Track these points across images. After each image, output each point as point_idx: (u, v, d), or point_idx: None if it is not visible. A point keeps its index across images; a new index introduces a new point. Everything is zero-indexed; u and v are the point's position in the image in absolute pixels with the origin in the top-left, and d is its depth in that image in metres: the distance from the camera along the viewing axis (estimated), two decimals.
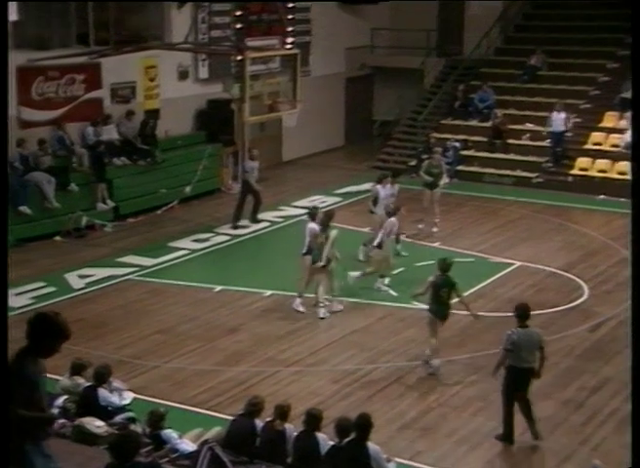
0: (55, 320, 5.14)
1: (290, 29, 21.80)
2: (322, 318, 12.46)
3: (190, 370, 10.85)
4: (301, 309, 12.64)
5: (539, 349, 8.99)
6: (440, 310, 10.64)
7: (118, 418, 7.86)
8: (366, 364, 11.00)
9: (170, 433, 7.44)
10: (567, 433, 9.35)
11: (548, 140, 20.27)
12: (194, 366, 11.00)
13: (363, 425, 7.15)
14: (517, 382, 9.00)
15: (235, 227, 16.94)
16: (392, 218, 13.33)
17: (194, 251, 15.70)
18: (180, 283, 13.92)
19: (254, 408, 7.63)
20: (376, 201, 14.74)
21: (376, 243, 13.40)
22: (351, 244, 15.77)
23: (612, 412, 9.79)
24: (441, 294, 10.56)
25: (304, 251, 12.70)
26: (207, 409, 9.72)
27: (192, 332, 12.03)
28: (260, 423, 7.57)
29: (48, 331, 5.10)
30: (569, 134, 20.23)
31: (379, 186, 14.83)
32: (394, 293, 13.43)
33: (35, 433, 5.21)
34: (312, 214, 13.06)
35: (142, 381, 10.31)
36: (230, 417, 8.20)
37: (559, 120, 19.79)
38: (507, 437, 9.11)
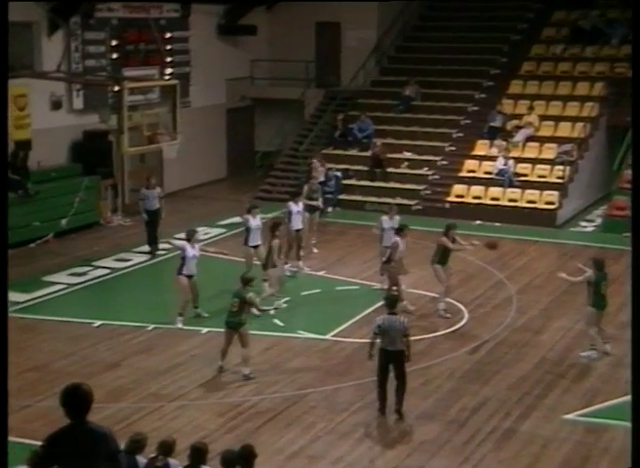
0: (83, 388, 5.38)
1: (168, 60, 21.64)
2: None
3: None
4: None
5: (404, 335, 10.05)
6: (229, 320, 11.38)
7: None
8: (252, 395, 10.87)
9: None
10: (449, 453, 9.50)
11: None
12: None
13: (246, 456, 7.08)
14: (389, 362, 10.13)
15: (151, 252, 17.13)
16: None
17: (71, 285, 15.19)
18: (55, 318, 13.39)
19: (136, 444, 7.36)
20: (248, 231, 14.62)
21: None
22: (237, 275, 15.64)
23: (491, 431, 10.04)
24: (232, 304, 11.36)
25: None
26: None
27: (69, 369, 11.59)
28: (142, 460, 7.31)
29: (88, 399, 5.36)
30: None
31: (248, 216, 14.70)
32: (280, 323, 13.37)
33: None
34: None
35: (13, 422, 9.69)
36: None
37: (321, 173, 19.96)
38: (382, 409, 10.28)
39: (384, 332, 10.05)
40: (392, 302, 10.42)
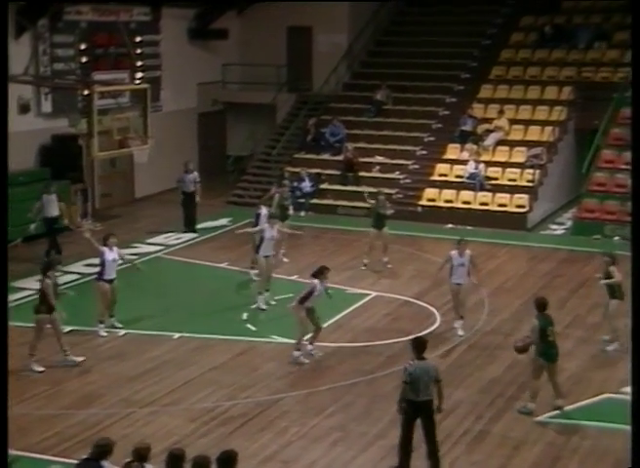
0: None
1: (139, 64, 21.51)
2: None
3: (35, 416, 10.30)
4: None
5: (435, 382, 8.96)
6: (550, 352, 10.46)
7: None
8: (225, 400, 10.81)
9: None
10: (422, 457, 9.47)
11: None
12: (39, 410, 10.44)
13: (226, 460, 6.96)
14: (417, 416, 8.94)
15: (193, 231, 19.01)
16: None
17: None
18: (24, 324, 13.19)
19: (101, 449, 7.25)
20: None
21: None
22: (210, 280, 15.58)
23: (464, 433, 10.08)
24: (548, 333, 10.33)
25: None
26: (53, 456, 9.21)
27: (37, 375, 11.48)
28: (108, 466, 7.20)
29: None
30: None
31: (266, 225, 14.59)
32: (253, 328, 13.32)
33: None
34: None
35: None
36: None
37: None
38: None
39: (415, 381, 8.81)
40: (421, 346, 9.05)
